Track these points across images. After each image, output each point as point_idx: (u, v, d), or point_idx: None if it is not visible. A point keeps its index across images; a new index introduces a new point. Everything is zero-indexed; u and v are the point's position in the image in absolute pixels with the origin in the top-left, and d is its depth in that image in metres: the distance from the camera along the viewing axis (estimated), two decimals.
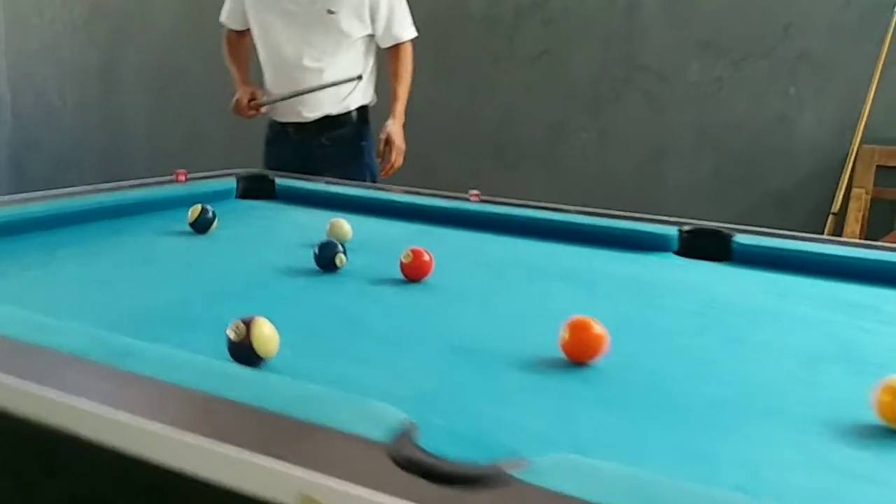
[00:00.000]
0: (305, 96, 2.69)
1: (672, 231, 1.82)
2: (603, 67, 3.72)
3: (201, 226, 1.80)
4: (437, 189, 2.23)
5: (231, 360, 1.02)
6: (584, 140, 3.80)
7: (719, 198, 3.58)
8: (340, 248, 1.51)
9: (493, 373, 1.08)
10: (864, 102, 3.13)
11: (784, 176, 3.48)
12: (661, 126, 3.66)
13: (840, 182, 3.26)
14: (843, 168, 3.28)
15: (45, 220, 1.77)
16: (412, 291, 1.44)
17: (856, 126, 3.17)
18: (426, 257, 1.47)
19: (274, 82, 2.77)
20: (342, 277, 1.50)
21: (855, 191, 3.27)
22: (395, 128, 2.68)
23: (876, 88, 3.09)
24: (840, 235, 3.26)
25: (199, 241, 1.77)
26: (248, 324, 1.03)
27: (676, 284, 1.57)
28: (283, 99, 2.72)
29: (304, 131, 2.76)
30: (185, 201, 2.08)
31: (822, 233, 3.26)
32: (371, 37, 2.72)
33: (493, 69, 3.89)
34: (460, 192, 2.24)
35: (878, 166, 3.30)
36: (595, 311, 1.14)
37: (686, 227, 1.83)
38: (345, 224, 1.75)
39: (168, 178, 2.20)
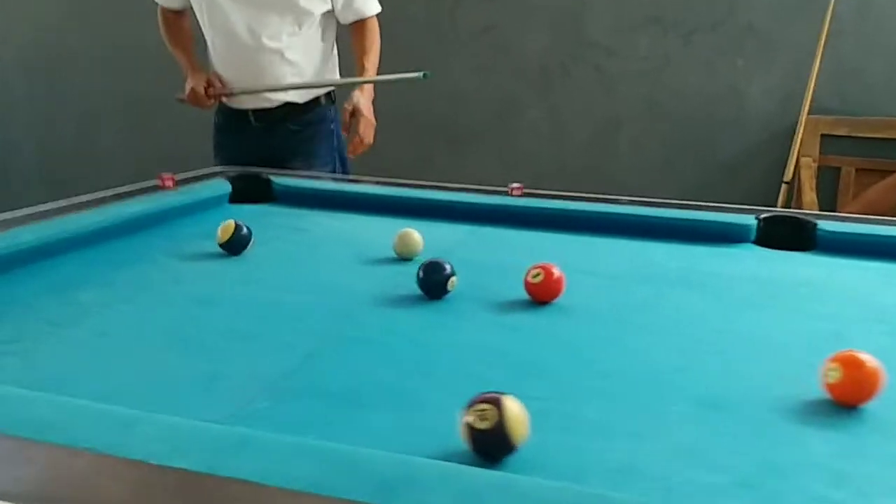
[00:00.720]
0: (269, 81, 2.35)
1: (750, 220, 1.66)
2: (551, 43, 3.53)
3: (236, 245, 1.48)
4: (402, 177, 2.02)
5: (477, 455, 0.76)
6: (534, 117, 3.62)
7: (672, 170, 3.51)
8: (450, 268, 1.25)
9: (775, 431, 0.87)
10: (809, 74, 3.12)
11: (734, 147, 3.45)
12: (612, 101, 3.53)
13: (791, 151, 3.26)
14: (791, 138, 3.28)
15: (31, 252, 1.39)
16: (554, 317, 1.19)
17: (802, 97, 3.16)
18: (556, 274, 1.23)
19: (226, 67, 2.40)
20: (452, 303, 1.24)
21: (803, 159, 3.27)
22: (363, 100, 2.34)
23: (820, 60, 3.09)
24: (793, 205, 3.27)
25: (238, 264, 1.44)
26: (496, 403, 0.76)
27: (813, 285, 1.39)
28: (295, 87, 2.36)
29: (268, 118, 2.40)
30: (183, 212, 1.74)
31: (776, 202, 3.26)
32: (331, 12, 2.40)
33: (438, 48, 3.62)
34: (411, 177, 2.03)
35: (822, 135, 3.32)
36: (772, 328, 0.95)
37: (764, 215, 1.68)
38: (415, 235, 1.48)
39: (151, 182, 1.83)
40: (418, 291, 1.26)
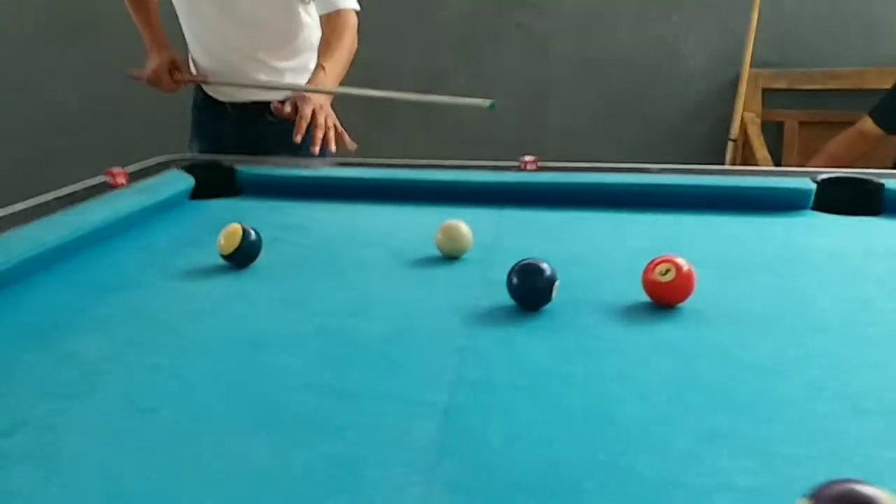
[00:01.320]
0: (242, 77, 1.98)
1: (809, 183, 1.48)
2: (474, 4, 3.27)
3: (245, 256, 1.15)
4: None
5: None
6: (460, 84, 3.34)
7: (609, 134, 3.33)
8: (551, 270, 0.98)
9: None
10: (746, 27, 3.01)
11: (675, 106, 3.31)
12: (542, 63, 3.31)
13: (735, 108, 3.15)
14: (732, 94, 3.18)
15: None
16: (706, 325, 0.94)
17: (739, 51, 3.04)
18: (685, 268, 0.98)
19: (207, 57, 2.02)
20: (561, 314, 0.97)
21: (747, 115, 3.18)
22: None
23: (758, 12, 2.97)
24: (741, 161, 3.17)
25: (254, 281, 1.10)
26: None
27: None
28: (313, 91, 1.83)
29: (245, 109, 2.04)
30: (147, 215, 1.39)
31: (724, 161, 3.15)
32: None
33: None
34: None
35: (763, 89, 3.23)
36: None
37: (822, 177, 1.50)
38: (464, 228, 1.19)
39: (98, 179, 1.45)
40: (506, 301, 0.99)
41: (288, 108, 1.77)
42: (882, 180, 1.47)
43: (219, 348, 0.89)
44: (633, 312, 0.97)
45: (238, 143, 1.97)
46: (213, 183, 1.60)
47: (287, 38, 1.97)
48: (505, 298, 0.99)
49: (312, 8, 1.97)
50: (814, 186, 1.47)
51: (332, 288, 1.08)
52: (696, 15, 3.21)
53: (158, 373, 0.82)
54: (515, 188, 1.52)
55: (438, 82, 3.32)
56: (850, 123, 2.66)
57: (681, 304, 0.98)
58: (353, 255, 1.22)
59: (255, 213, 1.45)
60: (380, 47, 3.30)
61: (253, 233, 1.15)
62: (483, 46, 3.28)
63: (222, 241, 1.14)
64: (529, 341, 0.90)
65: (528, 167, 1.59)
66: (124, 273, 1.14)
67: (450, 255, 1.19)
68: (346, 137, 1.78)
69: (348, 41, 1.90)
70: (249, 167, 1.65)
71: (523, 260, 0.99)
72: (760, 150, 3.04)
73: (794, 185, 1.47)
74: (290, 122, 1.88)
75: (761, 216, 1.43)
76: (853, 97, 3.14)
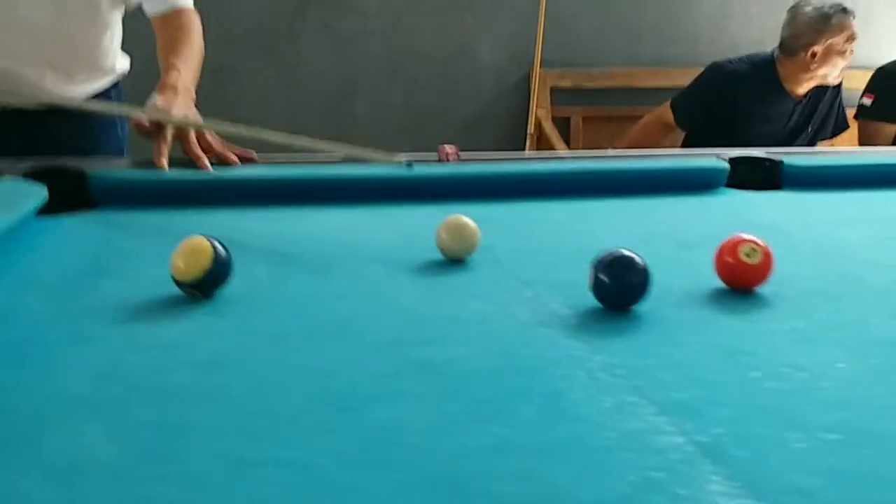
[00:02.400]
0: (19, 82, 1.51)
1: (724, 164, 1.46)
2: (273, 3, 2.98)
3: (216, 280, 0.84)
4: None
5: None
6: (259, 84, 3.03)
7: (415, 133, 3.22)
8: (643, 262, 0.82)
9: None
10: (535, 28, 3.07)
11: (474, 105, 3.28)
12: (346, 62, 3.11)
13: (531, 105, 3.20)
14: (526, 92, 3.23)
15: None
16: (788, 317, 0.83)
17: (530, 51, 3.09)
18: (766, 248, 0.87)
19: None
20: (668, 318, 0.82)
21: (540, 111, 3.24)
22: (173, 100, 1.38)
23: (545, 14, 3.04)
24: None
25: (233, 319, 0.81)
26: None
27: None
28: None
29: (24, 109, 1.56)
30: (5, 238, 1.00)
31: None
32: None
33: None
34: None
35: (552, 87, 3.32)
36: None
37: (731, 156, 1.49)
38: (471, 224, 0.99)
39: None
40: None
41: (147, 124, 1.31)
42: (780, 158, 1.51)
43: (288, 408, 0.61)
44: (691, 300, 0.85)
45: (24, 146, 1.43)
46: (59, 194, 1.21)
47: (87, 58, 1.56)
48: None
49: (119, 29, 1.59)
50: (728, 166, 1.47)
51: (344, 321, 0.82)
52: (487, 18, 3.21)
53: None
54: (448, 182, 1.33)
55: (231, 82, 2.98)
56: (626, 118, 2.83)
57: (758, 289, 0.88)
58: (349, 269, 0.96)
59: (142, 227, 1.11)
60: None
61: (223, 249, 0.85)
62: (282, 43, 3.00)
63: (181, 264, 0.82)
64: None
65: (451, 158, 1.41)
66: (34, 323, 0.78)
67: (455, 257, 0.98)
68: (232, 157, 1.36)
69: (197, 40, 1.52)
70: (107, 172, 1.28)
71: (612, 252, 0.82)
72: (559, 143, 3.11)
73: (715, 164, 1.46)
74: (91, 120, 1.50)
75: (686, 196, 1.38)
76: (625, 94, 3.34)
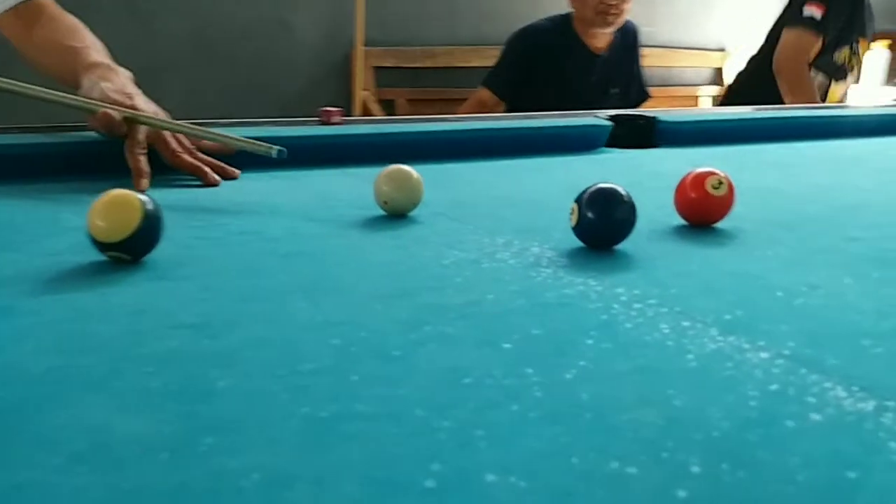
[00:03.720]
0: None
1: (606, 123, 1.48)
2: None
3: (148, 240, 0.69)
4: None
5: None
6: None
7: (235, 107, 3.01)
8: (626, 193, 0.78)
9: None
10: (353, 7, 2.99)
11: (295, 84, 3.14)
12: (151, 39, 2.84)
13: (353, 86, 3.12)
14: (348, 72, 3.15)
15: None
16: (774, 250, 0.84)
17: (350, 28, 3.01)
18: (727, 177, 0.87)
19: None
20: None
21: (364, 93, 3.16)
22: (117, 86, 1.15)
23: None
24: None
25: (183, 279, 0.66)
26: None
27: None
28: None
29: None
30: None
31: None
32: None
33: None
34: None
35: (374, 67, 3.25)
36: None
37: (608, 115, 1.52)
38: (416, 175, 0.90)
39: None
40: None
41: (96, 124, 1.04)
42: (653, 115, 1.56)
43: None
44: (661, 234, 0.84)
45: None
46: None
47: None
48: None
49: None
50: (611, 124, 1.49)
51: (349, 299, 0.72)
52: None
53: None
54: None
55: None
56: (448, 100, 2.84)
57: (717, 224, 0.88)
58: (283, 227, 0.84)
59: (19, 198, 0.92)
60: None
61: (152, 202, 0.70)
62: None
63: (102, 223, 0.67)
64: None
65: (335, 120, 1.31)
66: None
67: (399, 211, 0.90)
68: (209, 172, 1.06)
69: (74, 19, 1.30)
70: None
71: (596, 186, 0.77)
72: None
73: (600, 123, 1.48)
74: None
75: (573, 155, 1.40)
76: (446, 74, 3.35)
